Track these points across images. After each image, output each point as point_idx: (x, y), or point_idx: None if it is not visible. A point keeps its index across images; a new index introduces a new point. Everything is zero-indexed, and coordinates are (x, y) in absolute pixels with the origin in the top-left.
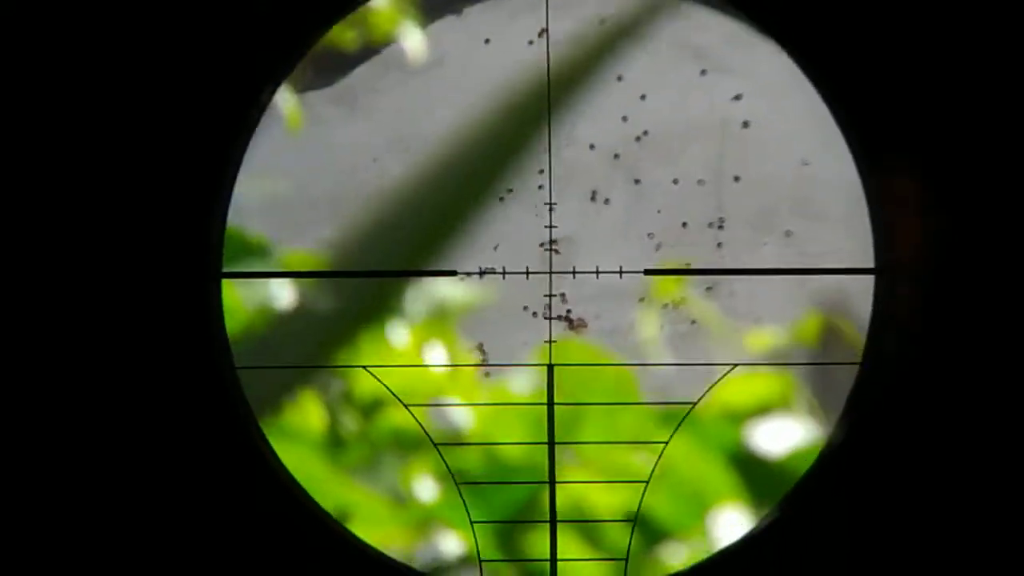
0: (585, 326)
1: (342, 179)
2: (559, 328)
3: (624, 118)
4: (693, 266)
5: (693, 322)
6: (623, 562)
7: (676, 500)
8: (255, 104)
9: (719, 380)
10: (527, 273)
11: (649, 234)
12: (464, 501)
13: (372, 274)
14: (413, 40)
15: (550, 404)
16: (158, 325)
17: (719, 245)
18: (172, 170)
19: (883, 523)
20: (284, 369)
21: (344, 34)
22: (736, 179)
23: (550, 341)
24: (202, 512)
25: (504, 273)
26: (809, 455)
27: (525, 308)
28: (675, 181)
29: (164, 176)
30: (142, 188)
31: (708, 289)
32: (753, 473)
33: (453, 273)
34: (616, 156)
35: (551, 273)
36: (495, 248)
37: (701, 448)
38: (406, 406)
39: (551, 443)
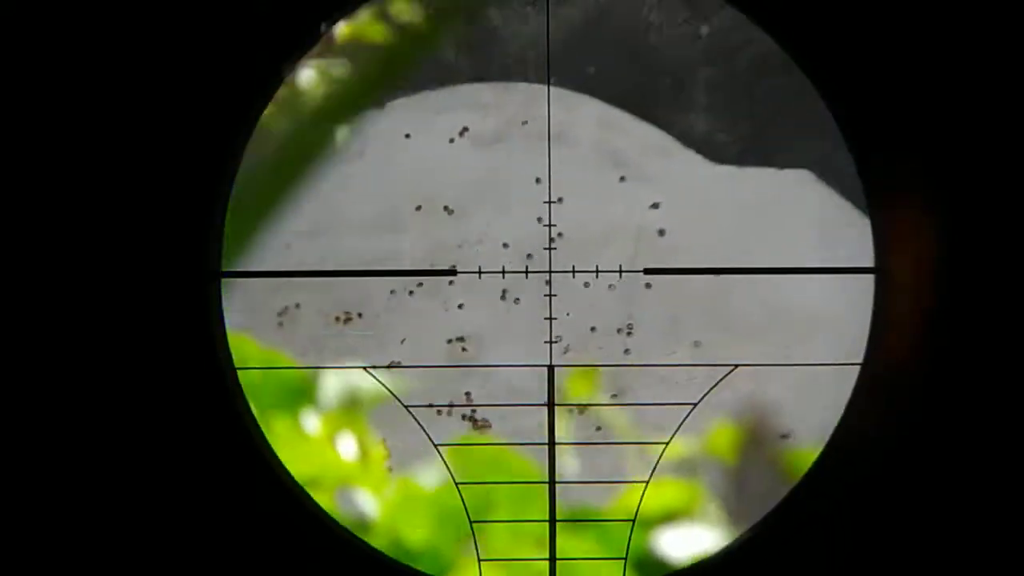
0: (489, 426)
1: (254, 264)
2: (464, 427)
3: (539, 219)
4: (602, 372)
5: (599, 428)
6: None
7: None
8: (254, 104)
9: (721, 379)
10: (526, 272)
11: (557, 337)
12: (464, 501)
13: (372, 274)
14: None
15: (550, 404)
16: (158, 325)
17: (626, 351)
18: (171, 170)
19: (881, 522)
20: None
21: (273, 118)
22: (647, 286)
23: (550, 341)
24: (202, 512)
25: (504, 273)
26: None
27: (430, 405)
28: (586, 285)
29: (163, 176)
30: (141, 188)
31: (614, 396)
32: None
33: (453, 272)
34: (529, 256)
35: (550, 272)
36: (401, 342)
37: (606, 553)
38: (406, 407)
39: (551, 443)
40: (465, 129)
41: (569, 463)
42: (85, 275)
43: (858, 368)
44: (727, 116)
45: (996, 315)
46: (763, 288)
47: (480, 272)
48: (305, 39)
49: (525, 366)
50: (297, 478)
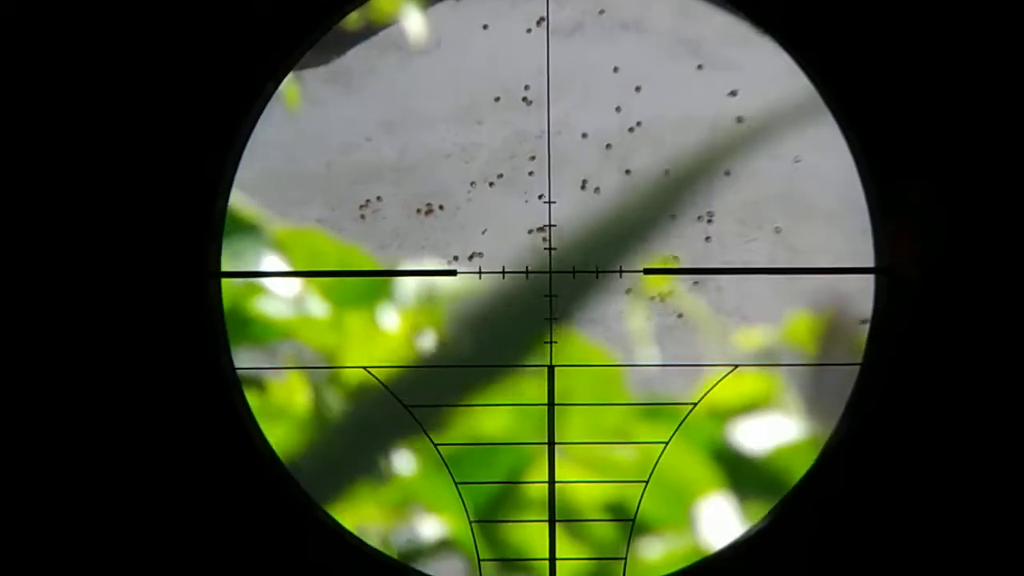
0: (571, 316)
1: (335, 157)
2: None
3: (618, 108)
4: (681, 260)
5: (680, 316)
6: (622, 561)
7: (660, 496)
8: (253, 103)
9: (719, 380)
10: (527, 272)
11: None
12: (463, 500)
13: (371, 274)
14: (412, 23)
15: (550, 404)
16: (158, 325)
17: (707, 239)
18: (171, 170)
19: (882, 522)
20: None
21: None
22: (727, 173)
23: (551, 342)
24: (202, 511)
25: (504, 273)
26: (796, 452)
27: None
28: (666, 172)
29: (163, 176)
30: (141, 188)
31: (695, 283)
32: (739, 471)
33: (453, 273)
34: (608, 146)
35: (551, 273)
36: (483, 232)
37: (686, 445)
38: (406, 407)
39: (551, 443)
40: (542, 19)
41: (650, 348)
42: (85, 276)
43: (858, 368)
44: None
45: (997, 315)
46: (840, 172)
47: (480, 272)
48: (305, 37)
49: (525, 366)
50: (377, 376)
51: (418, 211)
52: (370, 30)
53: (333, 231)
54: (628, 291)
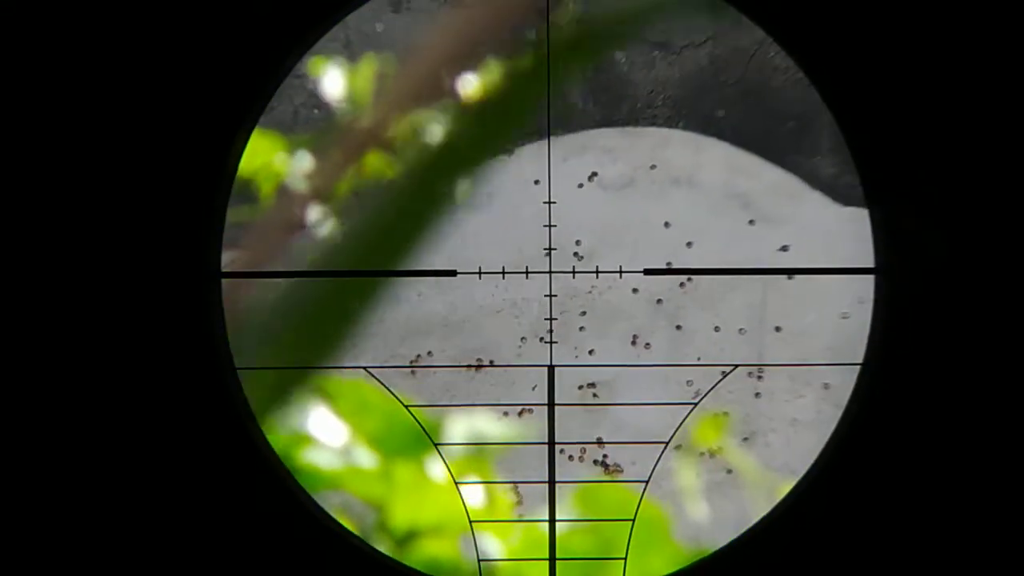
0: (621, 471)
1: (386, 312)
2: (596, 471)
3: (669, 263)
4: (732, 416)
5: (729, 471)
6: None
7: None
8: (253, 102)
9: (721, 380)
10: (526, 272)
11: (688, 381)
12: (464, 500)
13: (371, 273)
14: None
15: (550, 404)
16: (157, 325)
17: (757, 395)
18: (171, 169)
19: (883, 523)
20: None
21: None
22: (777, 329)
23: (550, 341)
24: (202, 512)
25: (504, 273)
26: None
27: (561, 451)
28: (716, 329)
29: (163, 175)
30: (141, 187)
31: (745, 439)
32: None
33: (453, 273)
34: (659, 301)
35: (550, 273)
36: (533, 388)
37: None
38: (406, 407)
39: (551, 443)
40: (594, 174)
41: (699, 509)
42: (85, 275)
43: (858, 368)
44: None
45: (997, 315)
46: None
47: (480, 272)
48: (306, 36)
49: (525, 367)
50: (421, 525)
51: (468, 366)
52: None
53: (383, 385)
54: (678, 447)
